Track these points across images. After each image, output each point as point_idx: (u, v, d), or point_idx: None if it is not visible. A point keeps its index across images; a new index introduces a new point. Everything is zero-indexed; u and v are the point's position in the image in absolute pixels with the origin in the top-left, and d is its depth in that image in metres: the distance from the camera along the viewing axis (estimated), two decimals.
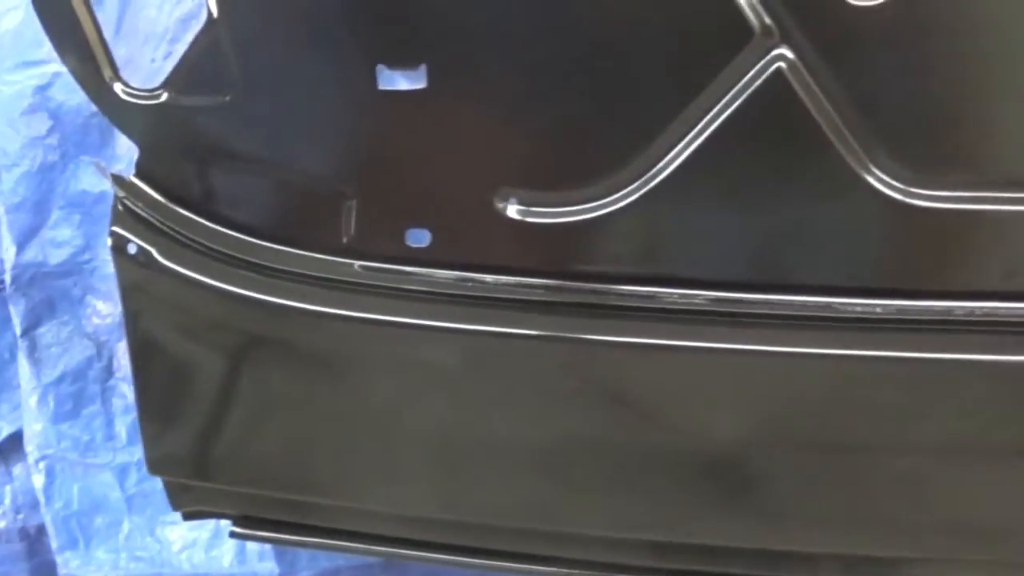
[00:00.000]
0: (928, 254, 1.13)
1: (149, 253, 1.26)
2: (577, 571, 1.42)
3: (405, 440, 1.31)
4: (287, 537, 1.46)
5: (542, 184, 1.15)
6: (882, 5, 1.03)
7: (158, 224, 1.27)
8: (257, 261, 1.27)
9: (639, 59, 1.10)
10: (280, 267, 1.26)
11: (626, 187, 1.12)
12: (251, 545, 1.76)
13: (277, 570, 1.79)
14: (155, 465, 1.41)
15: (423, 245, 1.18)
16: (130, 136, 1.28)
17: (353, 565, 1.80)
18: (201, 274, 1.25)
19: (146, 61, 1.82)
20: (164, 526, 1.81)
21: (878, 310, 1.13)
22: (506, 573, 1.49)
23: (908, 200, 1.08)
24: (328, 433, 1.33)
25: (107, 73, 1.22)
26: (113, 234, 1.28)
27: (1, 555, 2.00)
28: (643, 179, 1.11)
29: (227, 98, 1.18)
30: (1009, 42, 1.06)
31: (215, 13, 1.15)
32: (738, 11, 1.05)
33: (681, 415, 1.22)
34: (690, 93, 1.08)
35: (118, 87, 1.22)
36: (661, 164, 1.10)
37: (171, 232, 1.27)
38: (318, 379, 1.31)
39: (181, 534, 1.81)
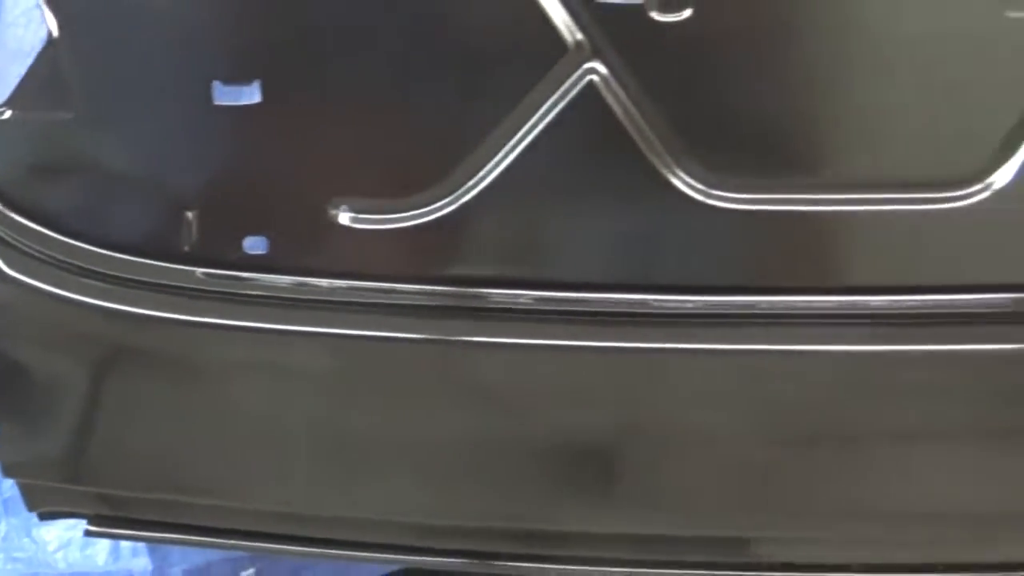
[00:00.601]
0: (733, 252, 1.21)
1: None
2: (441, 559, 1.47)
3: (253, 438, 1.34)
4: (140, 534, 1.49)
5: (371, 193, 1.19)
6: (684, 21, 1.09)
7: (4, 236, 1.26)
8: (105, 271, 1.28)
9: (459, 73, 1.15)
10: (128, 276, 1.27)
11: (450, 195, 1.16)
12: (124, 543, 1.76)
13: (151, 566, 1.80)
14: (9, 468, 1.41)
15: (261, 252, 1.21)
16: None
17: (225, 559, 1.82)
18: (49, 284, 1.26)
19: (14, 78, 1.82)
20: (40, 527, 1.80)
21: (689, 306, 1.20)
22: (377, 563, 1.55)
23: (711, 202, 1.15)
24: (176, 433, 1.35)
25: None
26: None
27: None
28: (466, 187, 1.16)
29: (70, 114, 1.20)
30: (795, 56, 1.14)
31: (55, 32, 1.17)
32: (553, 28, 1.10)
33: (507, 408, 1.27)
34: (509, 104, 1.13)
35: None
36: (482, 173, 1.15)
37: (17, 243, 1.27)
38: (167, 383, 1.33)
39: (57, 534, 1.80)
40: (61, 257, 1.27)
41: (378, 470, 1.33)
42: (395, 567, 1.82)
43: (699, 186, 1.15)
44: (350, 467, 1.34)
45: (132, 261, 1.25)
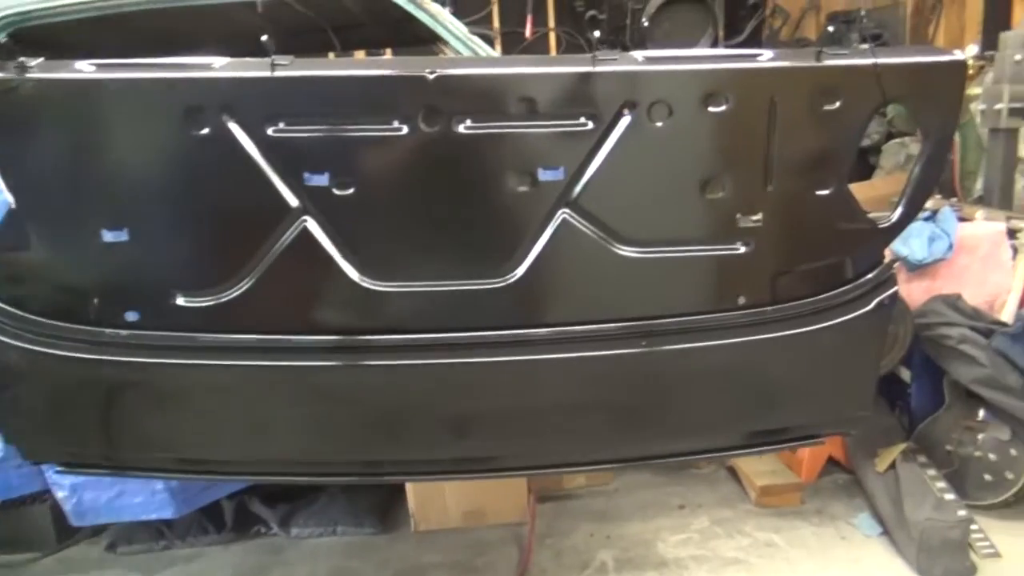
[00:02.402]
0: (383, 315, 2.14)
1: None
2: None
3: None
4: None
5: (189, 287, 2.10)
6: (353, 193, 2.01)
7: None
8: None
9: (226, 220, 2.06)
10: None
11: (228, 290, 2.08)
12: None
13: None
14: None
15: (136, 319, 2.12)
16: None
17: None
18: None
19: None
20: None
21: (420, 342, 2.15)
22: None
23: (379, 288, 2.09)
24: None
25: None
26: None
27: None
28: (238, 286, 2.08)
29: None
30: (413, 205, 2.08)
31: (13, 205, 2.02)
32: (281, 197, 2.02)
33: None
34: (261, 238, 2.05)
35: None
36: (248, 275, 2.07)
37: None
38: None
39: None
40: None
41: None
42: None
43: (369, 279, 2.10)
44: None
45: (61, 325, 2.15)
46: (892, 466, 3.75)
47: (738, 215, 2.06)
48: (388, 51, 6.43)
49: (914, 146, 6.25)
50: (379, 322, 2.13)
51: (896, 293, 2.19)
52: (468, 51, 2.34)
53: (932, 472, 3.66)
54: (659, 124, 1.98)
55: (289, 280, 2.10)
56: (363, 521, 3.81)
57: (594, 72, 1.97)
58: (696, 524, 3.78)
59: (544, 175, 2.00)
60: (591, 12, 6.84)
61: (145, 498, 3.23)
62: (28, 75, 1.91)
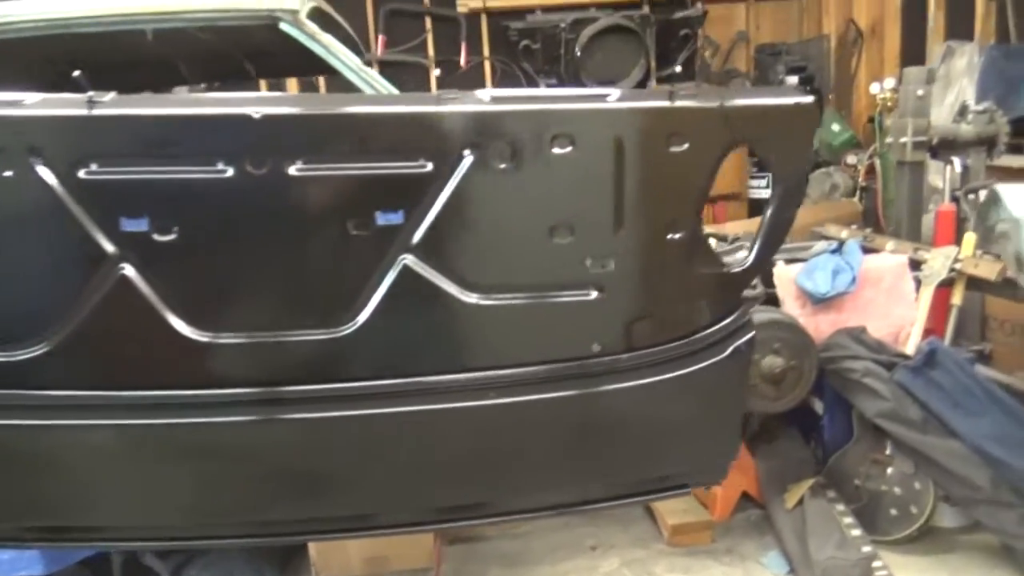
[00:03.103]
0: (209, 369, 1.98)
1: None
2: None
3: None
4: None
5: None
6: (171, 239, 1.86)
7: None
8: None
9: (41, 268, 1.89)
10: None
11: (55, 337, 1.92)
12: None
13: None
14: None
15: None
16: None
17: None
18: None
19: None
20: None
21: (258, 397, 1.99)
22: None
23: (204, 339, 1.94)
24: None
25: None
26: None
27: None
28: (54, 338, 1.91)
29: None
30: (236, 256, 1.93)
31: None
32: (96, 243, 1.86)
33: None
34: (77, 287, 1.89)
35: None
36: (65, 326, 1.91)
37: None
38: None
39: None
40: None
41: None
42: None
43: (196, 330, 1.95)
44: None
45: None
46: (801, 502, 3.66)
47: (588, 260, 1.95)
48: (321, 80, 6.35)
49: (838, 174, 6.27)
50: (209, 376, 1.98)
51: (753, 339, 2.10)
52: (362, 83, 2.22)
53: (840, 507, 3.58)
54: (504, 166, 1.87)
55: (110, 332, 1.95)
56: (263, 570, 3.61)
57: (436, 112, 1.85)
58: (606, 566, 3.65)
59: (382, 219, 1.87)
60: (525, 42, 6.80)
61: (13, 555, 3.01)
62: None
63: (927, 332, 3.81)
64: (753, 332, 2.10)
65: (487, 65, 6.92)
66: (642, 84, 6.82)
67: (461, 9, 6.74)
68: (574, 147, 1.87)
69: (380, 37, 6.72)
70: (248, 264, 1.92)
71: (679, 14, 6.78)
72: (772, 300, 3.95)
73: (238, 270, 1.93)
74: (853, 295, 3.83)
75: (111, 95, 1.82)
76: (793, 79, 6.46)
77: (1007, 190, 3.67)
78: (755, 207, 6.72)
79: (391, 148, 1.85)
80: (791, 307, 3.89)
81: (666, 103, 1.89)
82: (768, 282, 3.95)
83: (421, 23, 6.86)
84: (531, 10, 6.76)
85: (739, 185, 6.93)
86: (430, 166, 1.85)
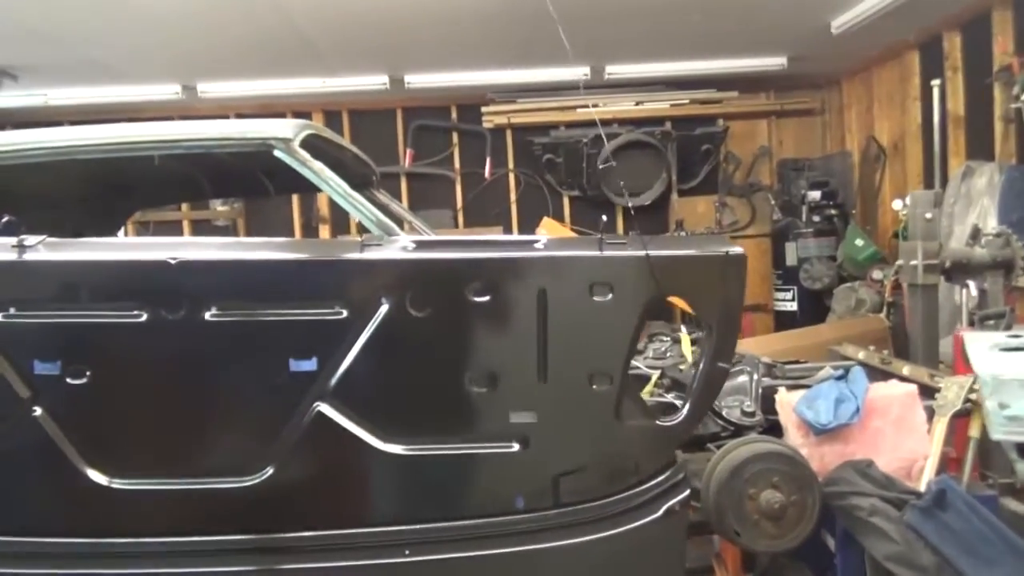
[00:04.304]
0: (118, 516, 1.89)
1: None
2: None
3: None
4: None
5: None
6: (85, 382, 1.81)
7: None
8: None
9: None
10: None
11: None
12: None
13: None
14: None
15: None
16: None
17: None
18: None
19: None
20: None
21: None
22: None
23: (114, 486, 1.86)
24: None
25: None
26: None
27: None
28: None
29: None
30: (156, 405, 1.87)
31: None
32: (10, 386, 1.83)
33: None
34: None
35: None
36: None
37: None
38: None
39: None
40: None
41: None
42: None
43: (103, 475, 1.87)
44: None
45: None
46: None
47: (510, 411, 1.82)
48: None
49: (863, 290, 6.02)
50: (114, 523, 1.89)
51: (688, 499, 1.91)
52: (350, 207, 2.19)
53: None
54: (422, 314, 1.79)
55: (16, 474, 1.89)
56: None
57: (353, 259, 1.80)
58: None
59: (297, 366, 1.80)
60: (548, 156, 6.88)
61: None
62: None
63: (952, 462, 3.48)
64: (688, 491, 1.91)
65: (511, 177, 7.00)
66: (664, 197, 6.79)
67: (487, 124, 6.90)
68: (495, 295, 1.78)
69: (408, 151, 6.89)
70: (159, 409, 1.86)
71: (700, 130, 6.80)
72: (775, 429, 3.70)
73: (149, 414, 1.87)
74: (860, 425, 3.54)
75: (40, 239, 1.83)
76: (816, 193, 6.34)
77: None
78: (781, 319, 6.49)
79: (306, 295, 1.80)
80: (793, 436, 3.61)
81: (590, 252, 1.80)
82: (770, 409, 3.71)
83: (448, 137, 7.03)
84: (555, 126, 6.87)
85: (765, 296, 6.72)
86: (345, 313, 1.78)
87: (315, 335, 1.80)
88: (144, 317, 1.78)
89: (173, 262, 1.76)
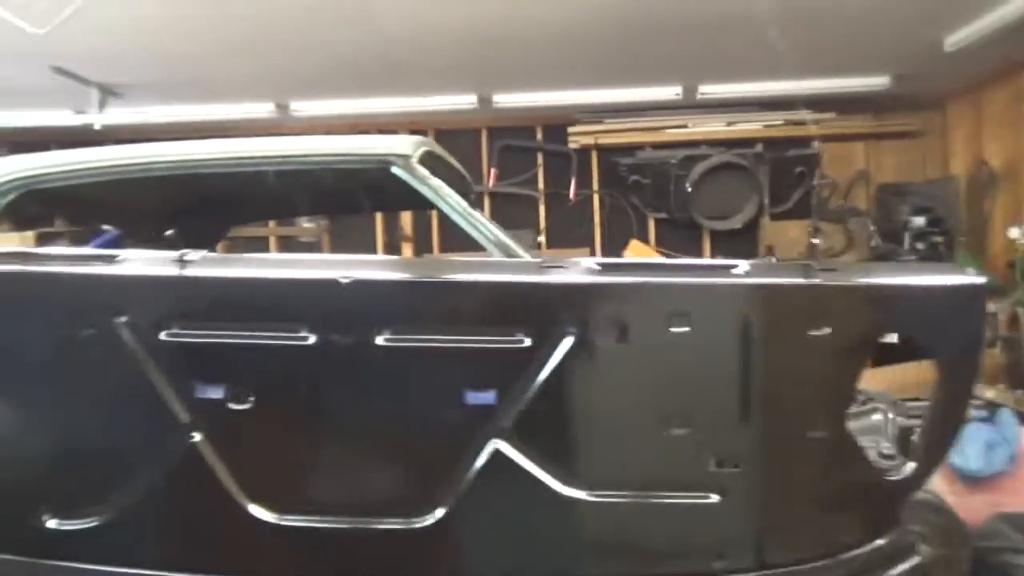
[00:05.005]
0: (281, 555, 1.74)
1: None
2: None
3: None
4: None
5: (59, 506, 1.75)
6: (249, 408, 1.67)
7: None
8: None
9: (104, 430, 1.73)
10: None
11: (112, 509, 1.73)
12: None
13: None
14: None
15: None
16: None
17: None
18: None
19: None
20: None
21: None
22: None
23: (274, 522, 1.70)
24: None
25: None
26: None
27: None
28: (122, 505, 1.73)
29: None
30: (317, 437, 1.71)
31: None
32: (170, 409, 1.69)
33: None
34: (142, 454, 1.71)
35: None
36: (126, 497, 1.71)
37: None
38: None
39: None
40: None
41: None
42: None
43: (263, 510, 1.71)
44: None
45: None
46: None
47: (709, 456, 1.61)
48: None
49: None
50: (274, 563, 1.73)
51: (917, 568, 1.66)
52: (468, 226, 2.05)
53: None
54: (612, 345, 1.59)
55: (172, 505, 1.75)
56: None
57: (537, 283, 1.62)
58: None
59: (474, 398, 1.62)
60: (634, 177, 6.68)
61: None
62: None
63: None
64: (916, 558, 1.66)
65: (596, 199, 6.82)
66: (754, 221, 6.52)
67: (573, 145, 6.74)
68: (694, 326, 1.57)
69: (492, 170, 6.77)
70: (323, 441, 1.71)
71: (794, 152, 6.51)
72: None
73: (311, 447, 1.71)
74: (1013, 473, 3.23)
75: (202, 254, 1.70)
76: (920, 219, 5.99)
77: None
78: (881, 350, 6.12)
79: (487, 320, 1.62)
80: (937, 484, 3.31)
81: (799, 280, 1.58)
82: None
83: (533, 157, 6.89)
84: (641, 147, 6.67)
85: None
86: (528, 342, 1.60)
87: (495, 365, 1.62)
88: (311, 340, 1.62)
89: (344, 281, 1.61)
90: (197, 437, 1.70)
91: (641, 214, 6.80)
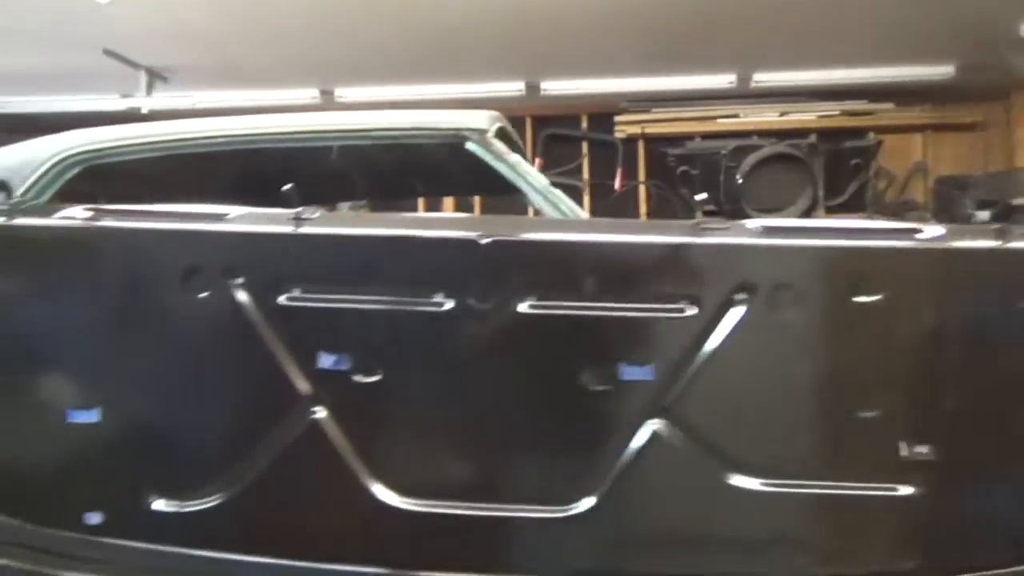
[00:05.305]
0: (409, 543, 1.56)
1: None
2: None
3: None
4: None
5: (167, 487, 1.58)
6: (376, 381, 1.49)
7: None
8: None
9: (218, 405, 1.56)
10: None
11: (225, 490, 1.56)
12: None
13: None
14: None
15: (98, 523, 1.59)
16: None
17: None
18: None
19: None
20: None
21: None
22: None
23: (404, 507, 1.52)
24: None
25: None
26: None
27: None
28: (235, 485, 1.55)
29: None
30: (461, 407, 1.52)
31: None
32: (287, 381, 1.52)
33: None
34: (257, 431, 1.53)
35: None
36: (237, 478, 1.54)
37: None
38: None
39: None
40: None
41: None
42: None
43: (392, 494, 1.53)
44: None
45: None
46: None
47: (900, 442, 1.41)
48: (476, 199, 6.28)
49: None
50: (402, 551, 1.55)
51: None
52: (548, 206, 1.89)
53: None
54: (785, 315, 1.40)
55: (289, 487, 1.57)
56: None
57: (696, 244, 1.42)
58: None
59: (629, 373, 1.43)
60: (683, 168, 6.47)
61: None
62: (17, 220, 1.53)
63: None
64: None
65: (642, 189, 6.61)
66: (807, 214, 6.29)
67: (619, 134, 6.54)
68: (882, 295, 1.38)
69: (537, 159, 6.58)
70: (460, 418, 1.52)
71: (849, 143, 6.29)
72: None
73: (448, 425, 1.53)
74: None
75: (319, 211, 1.52)
76: (985, 214, 5.75)
77: None
78: None
79: (646, 287, 1.43)
80: None
81: (995, 244, 1.38)
82: None
83: (578, 147, 6.71)
84: (690, 137, 6.46)
85: None
86: (692, 311, 1.41)
87: (653, 336, 1.44)
88: (447, 306, 1.44)
89: (483, 241, 1.42)
90: (319, 412, 1.52)
91: (688, 205, 6.59)
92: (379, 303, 1.48)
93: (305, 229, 1.50)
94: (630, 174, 6.59)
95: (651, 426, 1.46)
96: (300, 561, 1.56)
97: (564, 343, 1.48)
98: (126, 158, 2.08)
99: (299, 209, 1.52)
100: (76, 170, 2.01)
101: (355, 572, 1.55)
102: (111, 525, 1.58)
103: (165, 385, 1.57)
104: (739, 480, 1.44)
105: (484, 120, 2.13)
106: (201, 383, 1.56)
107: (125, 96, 5.62)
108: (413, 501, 1.52)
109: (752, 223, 1.46)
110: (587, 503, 1.47)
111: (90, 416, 1.53)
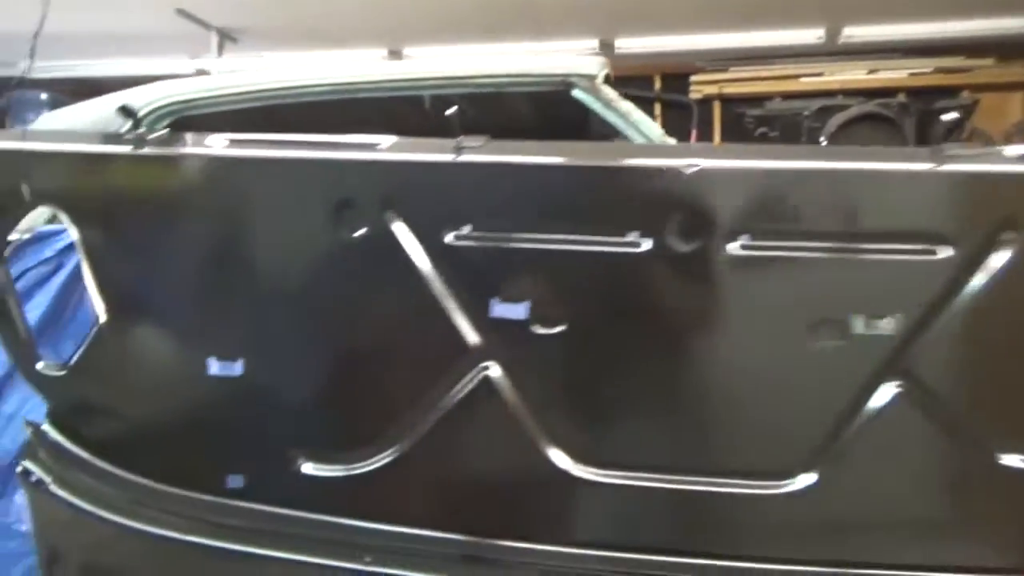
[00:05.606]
0: (590, 518, 1.35)
1: (44, 482, 1.51)
2: None
3: None
4: None
5: (319, 449, 1.39)
6: (558, 333, 1.28)
7: (57, 460, 1.51)
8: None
9: (375, 358, 1.36)
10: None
11: (379, 454, 1.37)
12: None
13: None
14: None
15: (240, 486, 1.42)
16: (45, 395, 1.54)
17: None
18: (82, 501, 1.50)
19: None
20: None
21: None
22: None
23: (586, 476, 1.31)
24: None
25: (32, 355, 1.50)
26: (22, 465, 1.53)
27: None
28: (393, 448, 1.36)
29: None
30: (653, 365, 1.30)
31: (103, 318, 1.43)
32: (456, 331, 1.31)
33: None
34: (420, 388, 1.33)
35: (39, 365, 1.50)
36: (398, 439, 1.35)
37: (67, 467, 1.51)
38: None
39: None
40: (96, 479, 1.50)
41: None
42: None
43: (576, 463, 1.32)
44: None
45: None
46: None
47: None
48: None
49: None
50: (581, 526, 1.34)
51: None
52: None
53: None
54: None
55: (456, 451, 1.38)
56: None
57: (951, 172, 1.17)
58: None
59: (863, 327, 1.18)
60: (762, 129, 6.13)
61: None
62: (147, 149, 1.35)
63: None
64: None
65: None
66: None
67: (694, 94, 6.20)
68: None
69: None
70: (658, 377, 1.30)
71: (942, 103, 5.86)
72: None
73: (643, 384, 1.31)
74: None
75: (483, 139, 1.30)
76: None
77: None
78: None
79: (882, 225, 1.18)
80: None
81: None
82: None
83: (650, 108, 6.40)
84: (770, 97, 6.09)
85: None
86: (945, 252, 1.15)
87: (894, 283, 1.19)
88: (643, 247, 1.20)
89: (688, 170, 1.18)
90: (490, 368, 1.31)
91: None
92: (561, 243, 1.26)
93: (469, 157, 1.28)
94: (705, 136, 6.28)
95: (889, 389, 1.21)
96: (465, 535, 1.37)
97: (782, 290, 1.25)
98: (217, 109, 1.95)
99: (459, 139, 1.31)
100: (166, 121, 1.90)
101: (529, 549, 1.35)
102: (255, 489, 1.41)
103: (315, 335, 1.37)
104: (1001, 458, 1.19)
105: (594, 65, 2.00)
106: (355, 333, 1.37)
107: (195, 57, 5.51)
108: (595, 471, 1.31)
109: (1010, 149, 1.20)
110: (805, 480, 1.25)
111: (233, 369, 1.36)
